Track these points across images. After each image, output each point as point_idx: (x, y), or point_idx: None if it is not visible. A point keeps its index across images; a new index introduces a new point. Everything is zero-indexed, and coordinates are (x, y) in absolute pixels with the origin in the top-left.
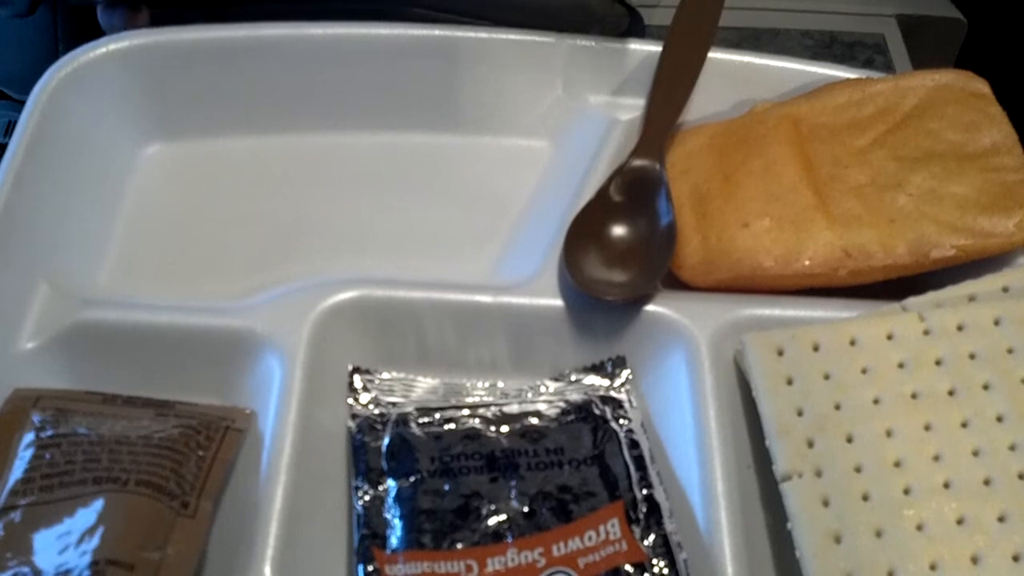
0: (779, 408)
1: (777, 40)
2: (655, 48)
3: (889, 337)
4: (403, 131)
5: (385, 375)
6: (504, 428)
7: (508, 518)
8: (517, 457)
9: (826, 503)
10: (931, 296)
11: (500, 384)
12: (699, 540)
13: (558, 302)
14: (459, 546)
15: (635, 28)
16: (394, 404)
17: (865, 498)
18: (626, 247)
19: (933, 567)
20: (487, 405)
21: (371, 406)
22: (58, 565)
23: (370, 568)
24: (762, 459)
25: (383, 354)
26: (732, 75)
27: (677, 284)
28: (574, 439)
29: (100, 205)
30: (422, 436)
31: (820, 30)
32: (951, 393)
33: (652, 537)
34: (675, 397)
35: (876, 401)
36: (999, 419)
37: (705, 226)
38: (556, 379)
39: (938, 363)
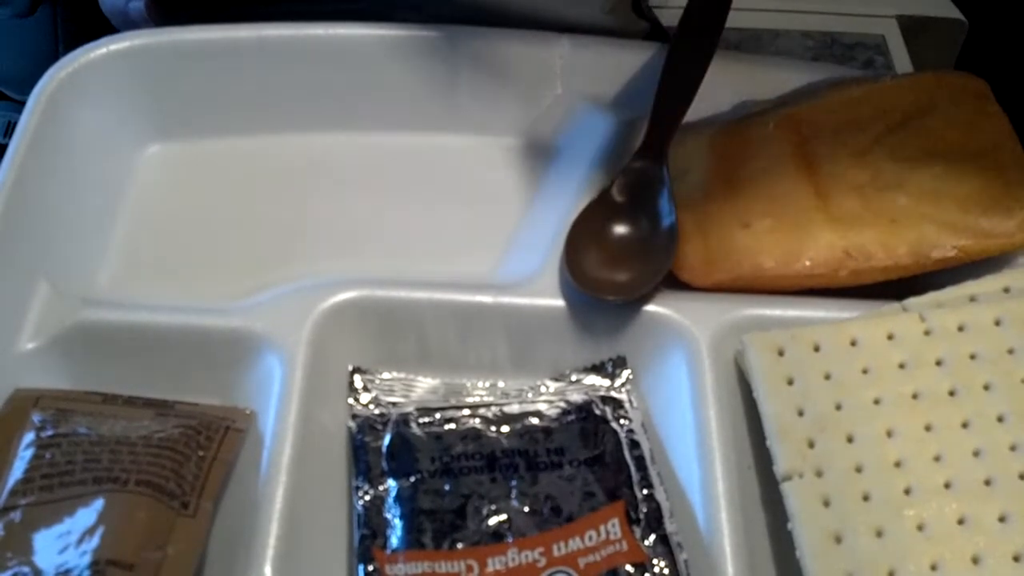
0: (780, 408)
1: (778, 41)
2: (656, 48)
3: (890, 337)
4: (403, 131)
5: (385, 375)
6: (504, 428)
7: (508, 518)
8: (517, 457)
9: (827, 503)
10: (932, 296)
11: (500, 384)
12: (699, 540)
13: (559, 302)
14: (459, 546)
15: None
16: (394, 404)
17: (866, 498)
18: (627, 247)
19: (934, 567)
20: (487, 405)
21: (371, 406)
22: (58, 565)
23: (370, 568)
24: (763, 459)
25: (383, 354)
26: (733, 76)
27: (678, 284)
28: (574, 439)
29: (101, 205)
30: (422, 436)
31: (820, 31)
32: (952, 393)
33: (652, 537)
34: (675, 397)
35: (877, 401)
36: (1000, 419)
37: (706, 226)
38: (556, 379)
39: (939, 363)
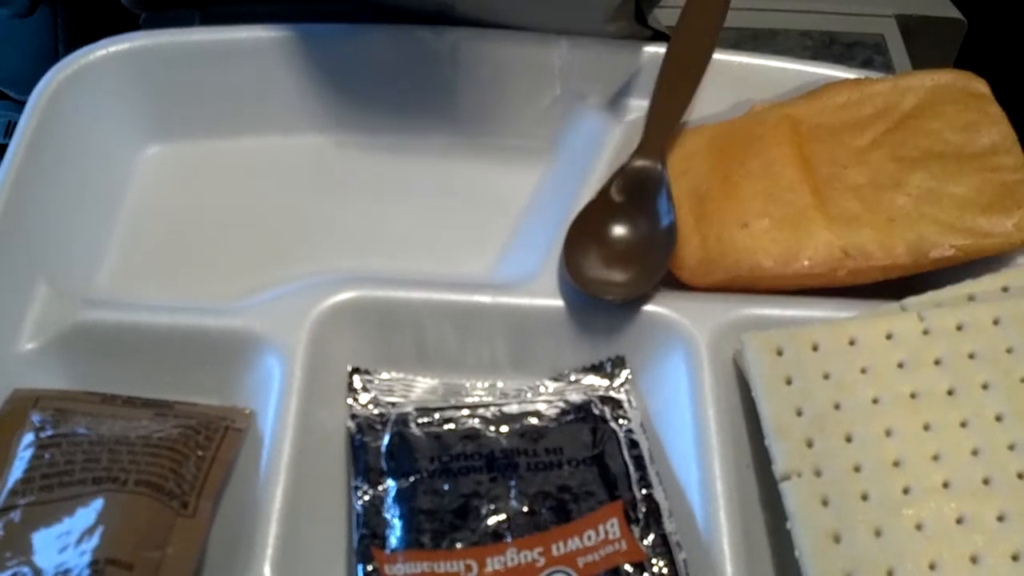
0: (778, 408)
1: (776, 40)
2: (654, 48)
3: (888, 337)
4: (403, 131)
5: (384, 375)
6: (504, 428)
7: (507, 518)
8: (516, 457)
9: (825, 503)
10: (930, 296)
11: (500, 384)
12: (698, 540)
13: (558, 302)
14: (458, 546)
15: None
16: (393, 404)
17: (864, 497)
18: (626, 247)
19: (932, 566)
20: (486, 405)
21: (370, 406)
22: (58, 564)
23: (369, 568)
24: (761, 459)
25: (382, 354)
26: (731, 75)
27: (676, 284)
28: (573, 439)
29: (100, 206)
30: (421, 436)
31: (819, 30)
32: (950, 393)
33: (651, 537)
34: (674, 397)
35: (875, 401)
36: (998, 419)
37: (704, 226)
38: (555, 379)
39: (937, 363)
